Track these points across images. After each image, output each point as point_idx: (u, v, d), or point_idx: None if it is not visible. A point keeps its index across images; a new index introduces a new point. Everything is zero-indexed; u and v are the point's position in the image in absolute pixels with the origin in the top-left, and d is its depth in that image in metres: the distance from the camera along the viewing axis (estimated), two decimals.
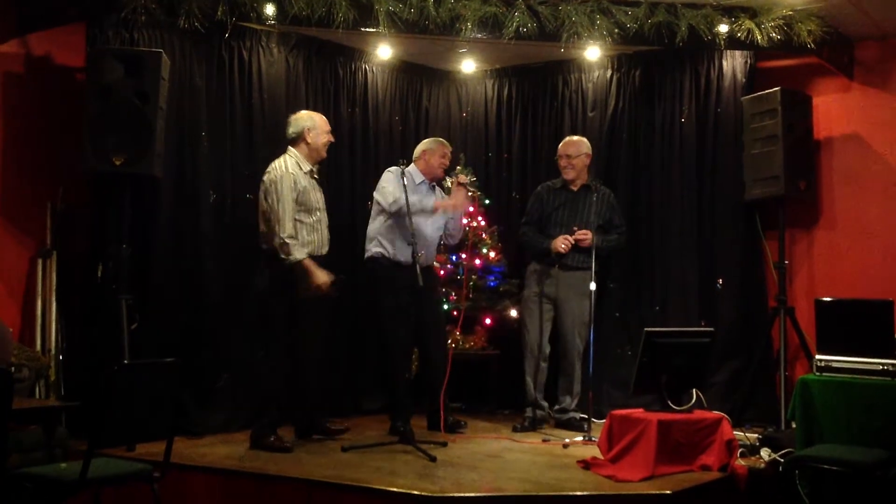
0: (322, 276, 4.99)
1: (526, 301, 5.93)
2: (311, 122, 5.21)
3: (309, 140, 5.19)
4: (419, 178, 5.72)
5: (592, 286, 5.58)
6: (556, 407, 5.96)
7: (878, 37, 5.93)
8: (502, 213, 6.84)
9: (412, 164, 5.72)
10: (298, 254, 4.95)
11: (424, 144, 5.82)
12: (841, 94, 6.11)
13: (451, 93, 7.15)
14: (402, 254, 5.40)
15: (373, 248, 5.54)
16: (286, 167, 5.06)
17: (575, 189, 5.93)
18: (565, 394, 5.92)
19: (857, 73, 6.07)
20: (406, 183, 5.30)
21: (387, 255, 5.48)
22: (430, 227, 5.59)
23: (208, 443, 5.18)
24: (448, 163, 5.79)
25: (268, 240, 5.07)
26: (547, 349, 5.87)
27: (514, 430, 5.68)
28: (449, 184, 5.74)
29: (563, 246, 5.71)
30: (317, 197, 5.21)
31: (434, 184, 5.79)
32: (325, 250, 5.23)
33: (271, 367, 5.11)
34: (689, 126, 6.37)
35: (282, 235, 4.93)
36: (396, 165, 5.51)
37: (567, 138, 6.05)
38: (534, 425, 5.75)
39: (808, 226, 6.17)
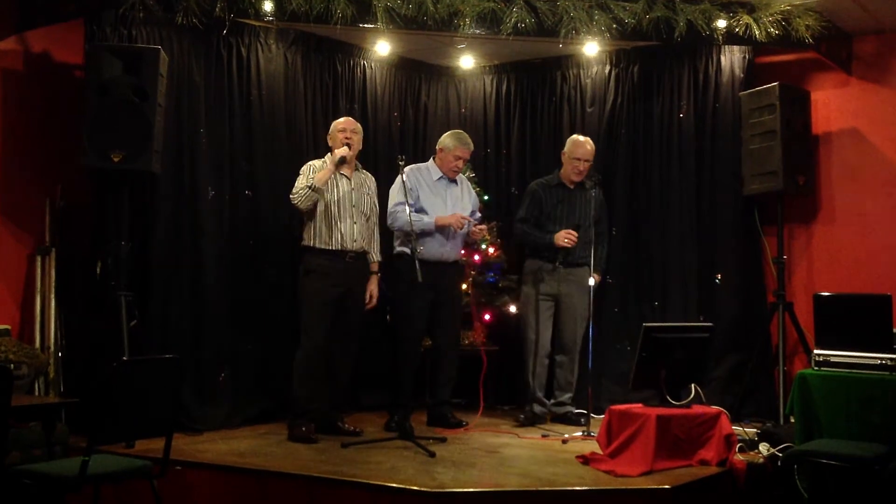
0: (339, 151, 5.28)
1: (528, 299, 5.91)
2: (330, 130, 5.53)
3: (330, 143, 5.48)
4: (437, 173, 5.72)
5: (592, 281, 5.61)
6: (553, 401, 5.98)
7: (877, 31, 5.93)
8: (501, 209, 6.83)
9: (431, 159, 5.77)
10: (304, 192, 5.19)
11: (443, 140, 5.76)
12: (839, 88, 6.11)
13: (450, 89, 7.14)
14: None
15: (398, 246, 5.61)
16: (311, 161, 5.44)
17: (571, 187, 5.94)
18: (564, 388, 5.94)
19: (855, 67, 6.06)
20: (407, 181, 5.30)
21: (406, 251, 5.51)
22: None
23: (208, 439, 5.18)
24: (462, 165, 5.77)
25: (304, 235, 5.29)
26: (548, 347, 5.88)
27: (522, 423, 5.74)
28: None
29: (566, 241, 5.69)
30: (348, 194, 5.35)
31: (456, 179, 5.75)
32: (353, 245, 5.29)
33: (306, 359, 5.19)
34: (687, 121, 6.36)
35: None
36: (399, 165, 5.39)
37: (586, 140, 5.93)
38: (534, 421, 5.78)
39: (807, 221, 6.17)
